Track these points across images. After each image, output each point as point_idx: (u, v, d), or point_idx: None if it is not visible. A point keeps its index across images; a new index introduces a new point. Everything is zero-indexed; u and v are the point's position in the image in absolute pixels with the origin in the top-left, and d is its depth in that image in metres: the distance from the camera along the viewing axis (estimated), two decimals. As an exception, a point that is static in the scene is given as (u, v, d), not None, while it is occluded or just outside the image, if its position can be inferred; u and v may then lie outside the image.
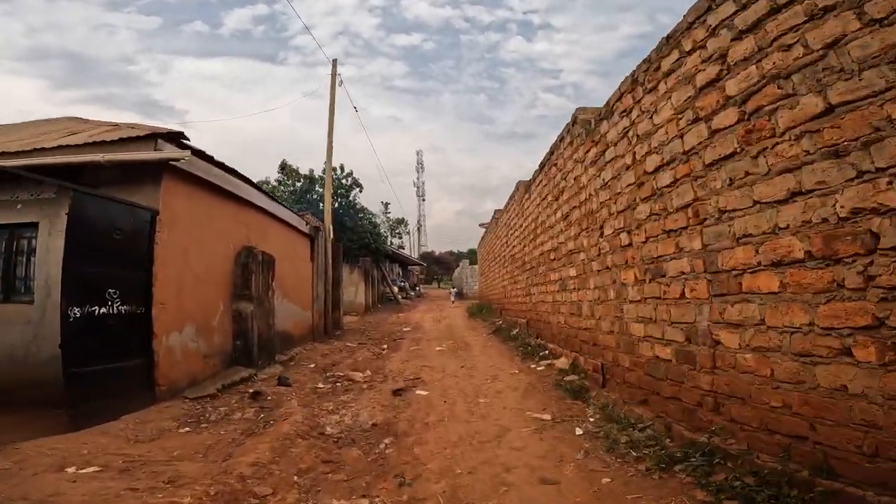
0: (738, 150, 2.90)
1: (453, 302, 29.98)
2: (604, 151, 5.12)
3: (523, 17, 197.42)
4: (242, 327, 6.76)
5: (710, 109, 3.18)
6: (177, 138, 5.78)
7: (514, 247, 12.06)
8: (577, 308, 6.24)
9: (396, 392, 6.15)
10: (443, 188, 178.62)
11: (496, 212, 15.86)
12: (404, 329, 14.73)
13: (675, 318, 3.64)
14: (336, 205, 27.23)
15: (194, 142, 6.10)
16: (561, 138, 6.83)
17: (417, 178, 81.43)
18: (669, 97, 3.71)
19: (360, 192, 28.32)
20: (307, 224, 11.03)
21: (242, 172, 7.59)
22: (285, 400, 5.86)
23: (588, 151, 5.64)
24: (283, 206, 9.65)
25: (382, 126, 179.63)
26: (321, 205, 28.23)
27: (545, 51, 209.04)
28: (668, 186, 3.72)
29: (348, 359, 9.11)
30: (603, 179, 5.16)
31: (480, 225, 21.63)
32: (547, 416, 4.79)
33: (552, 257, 7.65)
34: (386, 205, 47.25)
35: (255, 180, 8.02)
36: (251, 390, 6.07)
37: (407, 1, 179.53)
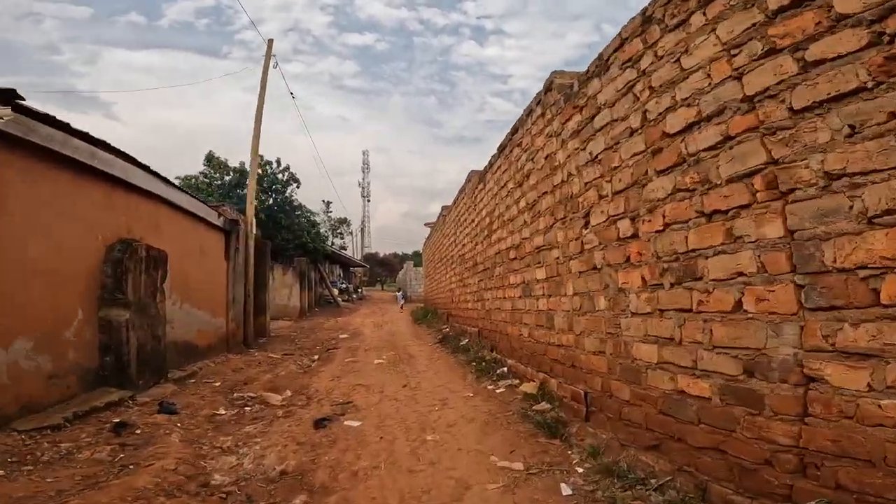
0: (869, 83, 1.77)
1: (401, 307, 26.32)
2: (592, 117, 3.95)
3: (477, 21, 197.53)
4: (114, 339, 5.05)
5: (800, 35, 2.04)
6: (6, 97, 4.12)
7: (463, 245, 10.85)
8: (548, 319, 5.05)
9: (319, 423, 4.72)
10: (389, 189, 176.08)
11: (444, 208, 14.65)
12: (341, 336, 13.15)
13: (720, 340, 2.48)
14: (270, 201, 25.03)
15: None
16: (528, 111, 5.65)
17: (363, 179, 79.49)
18: (713, 30, 2.56)
19: (298, 187, 26.29)
20: (221, 216, 9.23)
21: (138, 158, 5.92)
22: (162, 433, 4.28)
23: (567, 121, 4.47)
24: (186, 192, 7.86)
25: (330, 125, 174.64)
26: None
27: (496, 56, 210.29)
28: (710, 149, 2.56)
29: (267, 374, 7.50)
30: (590, 153, 4.00)
31: (426, 224, 20.31)
32: (518, 465, 3.53)
33: (512, 256, 6.47)
34: (327, 203, 44.99)
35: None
36: (116, 419, 4.44)
37: (361, 0, 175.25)
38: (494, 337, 7.59)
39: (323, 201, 46.97)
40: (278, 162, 25.85)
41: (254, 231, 10.94)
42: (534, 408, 4.66)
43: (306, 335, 13.67)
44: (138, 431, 4.32)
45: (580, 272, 4.23)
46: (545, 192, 5.09)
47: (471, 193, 9.65)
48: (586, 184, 4.08)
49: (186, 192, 7.77)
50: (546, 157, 5.03)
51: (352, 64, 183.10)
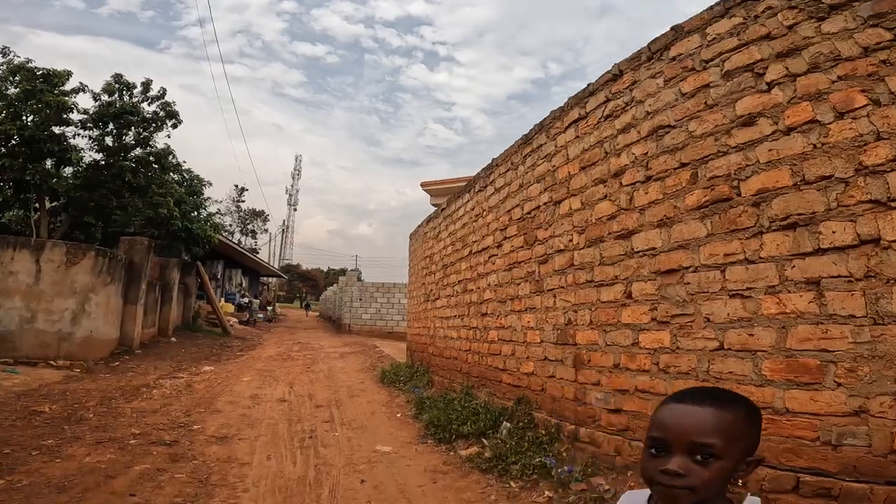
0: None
1: None
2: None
3: (431, 47, 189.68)
4: None
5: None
6: None
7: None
8: None
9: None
10: (320, 205, 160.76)
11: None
12: None
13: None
14: (109, 142, 13.14)
15: None
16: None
17: (291, 185, 67.17)
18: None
19: (175, 128, 14.36)
20: None
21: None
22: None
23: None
24: None
25: (264, 132, 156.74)
26: None
27: (444, 82, 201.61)
28: None
29: None
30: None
31: (423, 185, 9.75)
32: None
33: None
34: (241, 190, 32.71)
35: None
36: None
37: (319, 12, 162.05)
38: None
39: (236, 186, 34.47)
40: (146, 86, 14.02)
41: None
42: None
43: None
44: None
45: None
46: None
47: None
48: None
49: None
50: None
51: (298, 73, 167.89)
